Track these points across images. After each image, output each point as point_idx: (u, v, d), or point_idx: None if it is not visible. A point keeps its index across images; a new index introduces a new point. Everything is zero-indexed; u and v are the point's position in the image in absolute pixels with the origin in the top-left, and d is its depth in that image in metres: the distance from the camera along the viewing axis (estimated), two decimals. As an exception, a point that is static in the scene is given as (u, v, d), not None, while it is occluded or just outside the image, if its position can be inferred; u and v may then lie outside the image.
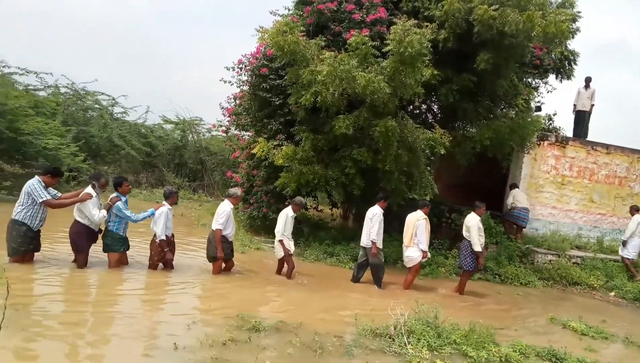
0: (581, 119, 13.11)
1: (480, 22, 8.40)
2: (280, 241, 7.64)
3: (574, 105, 13.23)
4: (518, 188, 11.36)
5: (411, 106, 11.04)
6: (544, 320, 7.02)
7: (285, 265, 7.81)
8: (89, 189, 6.51)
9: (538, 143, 11.51)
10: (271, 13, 10.82)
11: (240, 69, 11.14)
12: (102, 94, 19.50)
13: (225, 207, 7.23)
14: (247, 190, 11.50)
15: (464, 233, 8.08)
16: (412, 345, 4.80)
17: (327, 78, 8.04)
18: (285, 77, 9.18)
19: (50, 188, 6.43)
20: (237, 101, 12.56)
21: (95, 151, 17.56)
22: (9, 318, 3.98)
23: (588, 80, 13.00)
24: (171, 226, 7.16)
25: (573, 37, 9.56)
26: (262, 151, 9.49)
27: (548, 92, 13.48)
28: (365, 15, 9.59)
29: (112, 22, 53.36)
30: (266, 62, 10.05)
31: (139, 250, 7.80)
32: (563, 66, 12.29)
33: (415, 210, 8.11)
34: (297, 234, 8.03)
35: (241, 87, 11.92)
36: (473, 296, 8.12)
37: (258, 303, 6.20)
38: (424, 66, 8.30)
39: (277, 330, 5.01)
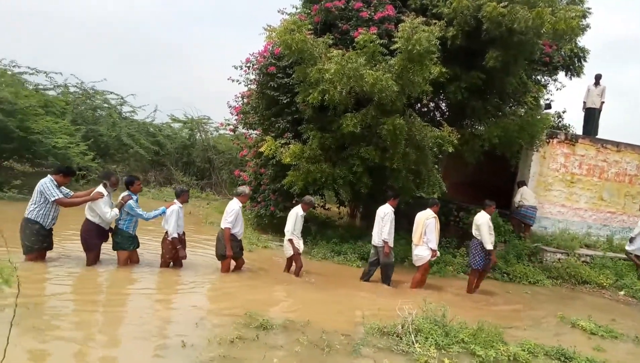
0: (591, 116, 12.98)
1: (489, 19, 8.35)
2: (290, 240, 7.64)
3: (584, 102, 13.10)
4: (526, 186, 11.29)
5: (419, 104, 11.01)
6: (553, 319, 6.99)
7: (294, 264, 7.83)
8: (100, 188, 6.58)
9: (547, 140, 11.42)
10: (279, 12, 10.82)
11: (248, 67, 11.18)
12: (111, 93, 19.68)
13: (234, 205, 7.26)
14: (254, 188, 11.53)
15: (474, 232, 8.04)
16: (419, 344, 4.80)
17: (335, 76, 8.03)
18: (293, 76, 9.19)
19: (62, 187, 6.49)
20: (245, 100, 12.60)
21: (104, 149, 17.70)
22: (20, 317, 4.05)
23: (598, 77, 12.87)
24: (182, 224, 7.21)
25: (583, 34, 9.49)
26: (270, 150, 9.51)
27: (557, 89, 13.41)
28: (373, 13, 9.56)
29: (112, 22, 53.80)
30: (274, 61, 10.06)
31: (148, 248, 7.86)
32: (573, 63, 12.18)
33: (424, 209, 8.08)
34: (304, 232, 8.05)
35: (249, 85, 11.96)
36: (481, 295, 8.09)
37: (266, 301, 6.22)
38: (432, 64, 8.28)
39: (285, 328, 5.03)
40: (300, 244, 7.80)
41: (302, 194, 9.37)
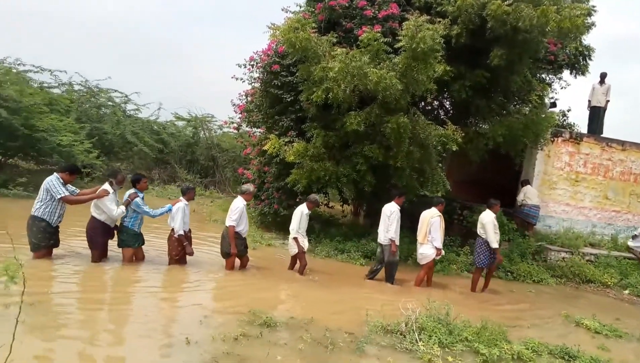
0: (596, 115, 12.92)
1: (493, 17, 8.32)
2: (295, 239, 7.65)
3: (589, 101, 13.05)
4: (530, 185, 11.26)
5: (423, 103, 10.99)
6: (557, 318, 6.98)
7: (298, 262, 7.84)
8: (106, 186, 6.62)
9: (552, 139, 11.38)
10: (283, 10, 10.82)
11: (252, 65, 11.19)
12: (115, 91, 19.73)
13: (239, 203, 7.27)
14: (258, 187, 11.54)
15: (479, 231, 8.02)
16: (423, 342, 4.81)
17: (339, 75, 8.03)
18: (297, 74, 9.18)
19: (68, 184, 6.53)
20: (249, 98, 12.61)
21: (108, 147, 17.76)
22: (25, 314, 4.06)
23: (603, 76, 12.81)
24: (188, 222, 7.24)
25: (588, 32, 9.43)
26: (274, 148, 9.51)
27: (562, 88, 13.38)
28: (377, 12, 9.55)
29: (112, 22, 53.91)
30: (278, 59, 10.07)
31: (153, 245, 7.92)
32: (578, 62, 12.15)
33: (428, 207, 8.07)
34: (308, 230, 8.05)
35: (253, 84, 11.97)
36: (485, 293, 8.08)
37: (269, 299, 6.24)
38: (437, 62, 8.25)
39: (289, 326, 5.04)
40: (305, 242, 7.80)
41: (305, 192, 9.38)
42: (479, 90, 9.66)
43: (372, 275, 8.05)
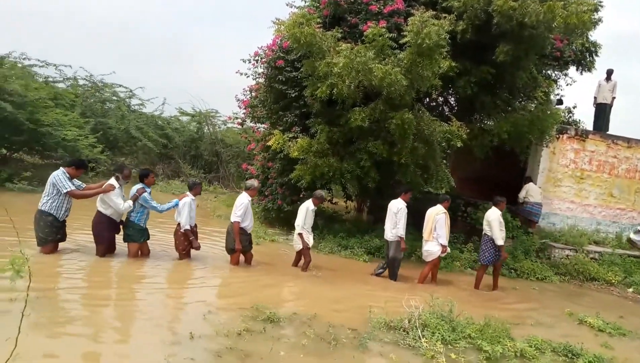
0: (602, 112, 12.84)
1: (499, 13, 8.26)
2: (300, 234, 7.65)
3: (595, 98, 12.97)
4: (532, 182, 11.21)
5: (428, 99, 10.95)
6: (561, 316, 6.96)
7: (302, 258, 7.84)
8: (112, 181, 6.64)
9: (557, 136, 11.32)
10: (287, 5, 10.79)
11: (257, 61, 11.17)
12: (120, 86, 19.76)
13: (243, 199, 7.28)
14: (262, 182, 11.55)
15: (485, 228, 8.00)
16: (426, 339, 4.81)
17: (343, 70, 8.00)
18: (301, 70, 9.17)
19: (74, 179, 6.56)
20: (253, 93, 12.61)
21: (112, 142, 17.81)
22: (30, 309, 4.08)
23: (610, 72, 12.72)
24: (194, 217, 7.27)
25: (595, 28, 9.37)
26: (278, 144, 9.52)
27: (567, 84, 13.29)
28: (382, 7, 9.50)
29: (112, 22, 53.87)
30: (282, 55, 10.04)
31: (159, 240, 7.96)
32: (584, 58, 12.05)
33: (432, 204, 8.05)
34: (312, 227, 8.05)
35: (257, 79, 11.96)
36: (488, 290, 8.07)
37: (273, 294, 6.26)
38: (442, 58, 8.21)
39: (292, 321, 5.06)
40: (309, 238, 7.80)
41: (309, 188, 9.39)
42: (484, 86, 9.61)
43: (379, 272, 8.05)
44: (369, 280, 7.82)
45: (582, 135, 11.78)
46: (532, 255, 10.17)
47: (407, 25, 8.07)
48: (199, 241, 7.31)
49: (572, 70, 12.48)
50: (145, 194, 6.82)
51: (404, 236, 7.70)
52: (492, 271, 8.16)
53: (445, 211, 7.86)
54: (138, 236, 6.90)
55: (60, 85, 17.76)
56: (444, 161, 10.02)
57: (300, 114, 10.25)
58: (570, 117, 14.67)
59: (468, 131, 9.07)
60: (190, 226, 7.11)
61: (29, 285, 2.85)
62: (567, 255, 10.32)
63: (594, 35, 11.42)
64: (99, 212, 6.63)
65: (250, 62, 11.28)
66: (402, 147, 8.60)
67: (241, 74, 11.87)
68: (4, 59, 14.20)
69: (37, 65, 16.29)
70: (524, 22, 8.16)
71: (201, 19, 68.86)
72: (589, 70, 12.23)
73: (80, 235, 7.52)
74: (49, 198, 6.33)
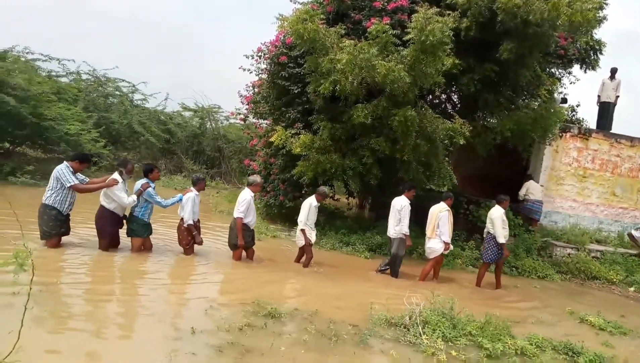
0: (605, 110, 12.80)
1: (503, 10, 8.23)
2: (302, 230, 7.65)
3: (598, 96, 12.92)
4: (533, 179, 11.19)
5: (431, 96, 10.93)
6: (562, 314, 6.97)
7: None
8: (115, 175, 6.67)
9: (560, 134, 11.30)
10: (291, 1, 10.76)
11: (260, 56, 11.16)
12: (123, 80, 19.73)
13: (246, 195, 7.29)
14: (264, 178, 11.55)
15: (488, 226, 8.00)
16: (427, 336, 4.82)
17: (347, 67, 7.99)
18: (304, 66, 9.15)
19: (78, 173, 6.58)
20: (256, 89, 12.60)
21: (115, 137, 17.80)
22: (33, 302, 4.09)
23: (613, 71, 12.67)
24: (197, 212, 7.29)
25: (599, 26, 9.32)
26: (280, 140, 9.52)
27: (571, 83, 13.19)
28: (386, 3, 9.47)
29: (112, 22, 53.79)
30: (285, 51, 10.03)
31: (161, 234, 7.99)
32: (588, 56, 11.99)
33: (436, 201, 8.05)
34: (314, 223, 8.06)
35: (260, 75, 11.95)
36: (490, 288, 8.08)
37: (275, 290, 6.27)
38: (445, 55, 8.19)
39: (293, 317, 5.08)
40: (312, 235, 7.78)
41: (311, 184, 9.39)
42: (487, 84, 9.59)
43: (383, 269, 8.05)
44: (370, 277, 7.84)
45: (585, 134, 11.75)
46: (534, 253, 10.18)
47: (410, 22, 8.05)
48: (201, 236, 7.34)
49: (576, 68, 12.43)
50: (150, 189, 6.85)
51: (408, 234, 7.70)
52: (494, 269, 8.16)
53: (449, 208, 7.86)
54: (142, 231, 6.93)
55: (64, 79, 17.77)
56: (447, 158, 10.02)
57: (303, 110, 10.24)
58: (573, 115, 14.61)
59: (471, 128, 9.04)
60: (193, 221, 7.14)
61: (32, 278, 2.86)
62: (569, 254, 10.31)
63: (599, 33, 11.35)
64: (102, 206, 6.66)
65: (253, 58, 11.28)
66: (404, 144, 8.60)
67: (244, 70, 11.88)
68: (7, 53, 14.19)
69: (40, 59, 16.29)
70: (529, 20, 8.13)
71: (201, 18, 68.91)
72: (593, 68, 12.18)
73: (83, 229, 7.54)
74: (52, 191, 6.35)
